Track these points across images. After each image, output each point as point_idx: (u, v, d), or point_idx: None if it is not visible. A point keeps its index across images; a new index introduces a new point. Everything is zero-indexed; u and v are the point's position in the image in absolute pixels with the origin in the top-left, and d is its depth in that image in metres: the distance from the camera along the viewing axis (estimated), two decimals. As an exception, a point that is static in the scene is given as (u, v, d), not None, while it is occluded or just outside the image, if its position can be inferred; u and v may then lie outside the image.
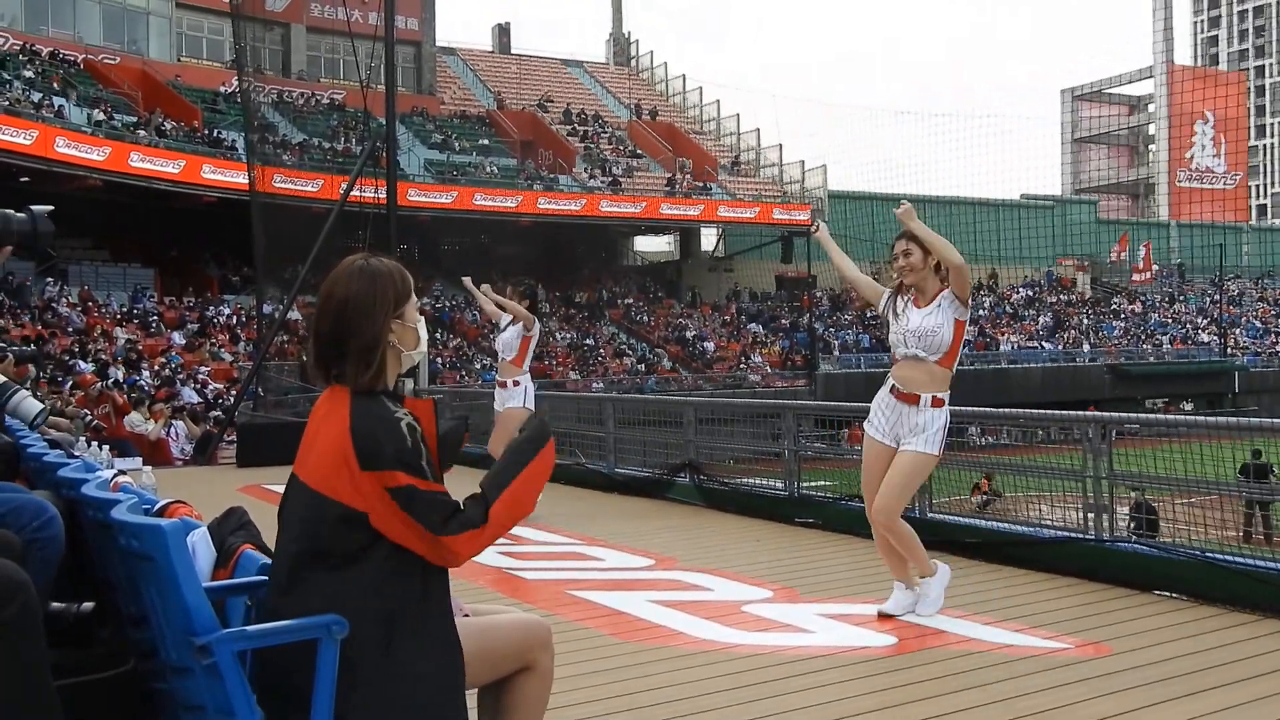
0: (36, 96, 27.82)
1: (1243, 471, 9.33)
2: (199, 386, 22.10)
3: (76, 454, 5.17)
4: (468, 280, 9.27)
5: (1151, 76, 68.50)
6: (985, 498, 10.94)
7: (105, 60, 33.89)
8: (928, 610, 4.99)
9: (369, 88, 15.79)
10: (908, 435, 4.91)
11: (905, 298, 5.03)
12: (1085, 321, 47.91)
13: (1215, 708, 3.76)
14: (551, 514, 8.15)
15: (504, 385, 8.42)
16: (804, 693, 4.00)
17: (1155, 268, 54.19)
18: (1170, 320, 50.33)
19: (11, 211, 3.33)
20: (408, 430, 2.29)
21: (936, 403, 4.89)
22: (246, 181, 16.84)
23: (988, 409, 8.00)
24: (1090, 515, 6.05)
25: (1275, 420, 6.59)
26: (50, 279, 26.07)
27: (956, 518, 6.90)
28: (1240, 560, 5.30)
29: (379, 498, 2.26)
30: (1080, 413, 6.70)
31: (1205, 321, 50.31)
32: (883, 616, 5.04)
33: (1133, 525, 6.94)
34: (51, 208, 3.41)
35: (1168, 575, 5.48)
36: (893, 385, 5.00)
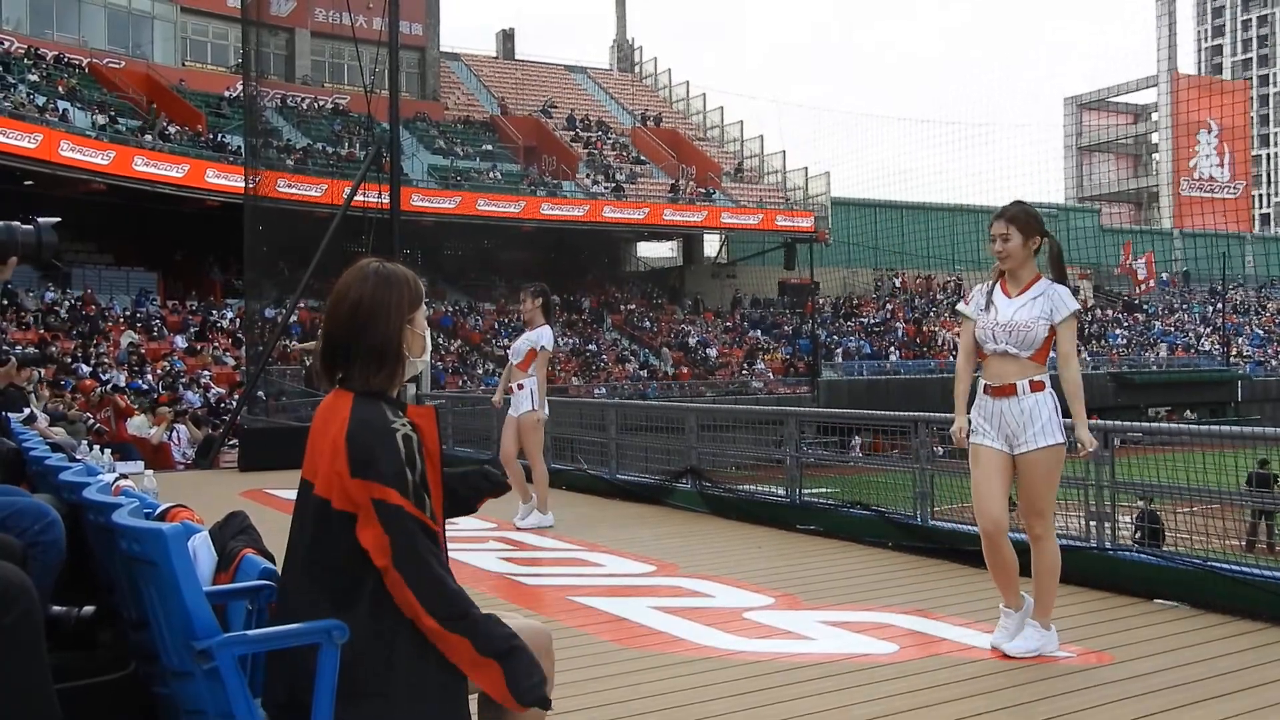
0: (41, 100, 27.89)
1: (1250, 481, 9.32)
2: (201, 390, 22.14)
3: (78, 458, 5.17)
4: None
5: (1155, 85, 68.59)
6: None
7: (110, 64, 33.98)
8: (1016, 650, 4.50)
9: (373, 93, 15.84)
10: (1020, 432, 4.44)
11: (994, 287, 4.60)
12: (1088, 329, 47.91)
13: (1216, 716, 3.75)
14: (553, 519, 8.15)
15: (511, 390, 8.38)
16: (804, 700, 3.99)
17: (1165, 276, 54.26)
18: (1173, 329, 50.31)
19: (16, 223, 3.34)
20: (403, 441, 2.27)
21: (1036, 386, 4.44)
22: (242, 185, 16.84)
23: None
24: (1093, 523, 6.04)
25: (1278, 429, 6.58)
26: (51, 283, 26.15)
27: (957, 525, 6.88)
28: (1243, 569, 5.30)
29: (365, 505, 2.25)
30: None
31: (1208, 330, 50.30)
32: (995, 650, 4.60)
33: (1138, 534, 6.92)
34: (58, 219, 3.41)
35: (1170, 583, 5.47)
36: (985, 385, 4.55)
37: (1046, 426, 4.43)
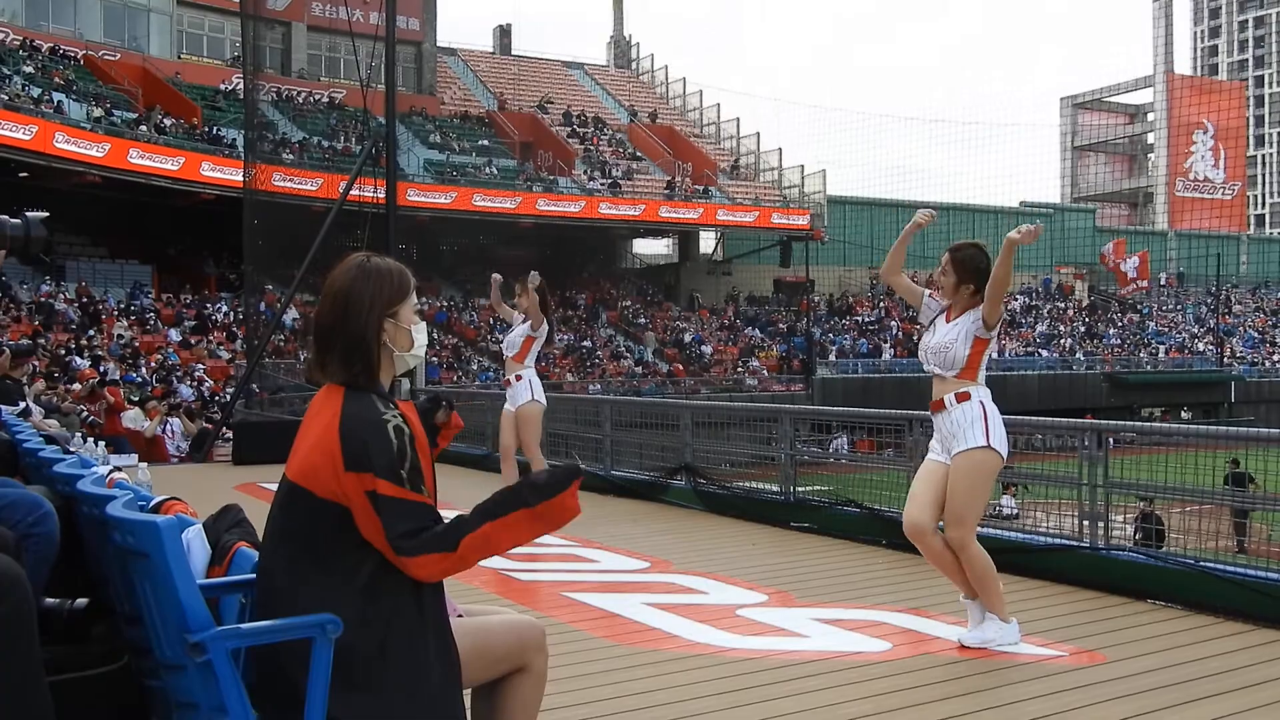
0: (36, 92, 27.81)
1: (1226, 481, 9.36)
2: (195, 384, 22.11)
3: (72, 450, 5.16)
4: (497, 279, 8.77)
5: (1151, 85, 68.64)
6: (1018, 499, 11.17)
7: (105, 56, 33.87)
8: (971, 640, 4.66)
9: (369, 87, 15.80)
10: (950, 441, 4.71)
11: (941, 313, 4.90)
12: (1082, 329, 47.99)
13: (1207, 717, 3.76)
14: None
15: (509, 383, 8.31)
16: (796, 697, 4.00)
17: (1163, 277, 54.33)
18: (1167, 329, 50.40)
19: (5, 217, 3.33)
20: (395, 433, 2.28)
21: (961, 397, 4.70)
22: (237, 179, 16.88)
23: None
24: (1086, 523, 6.06)
25: (1270, 430, 6.60)
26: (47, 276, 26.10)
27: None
28: (1234, 570, 5.32)
29: (359, 498, 2.26)
30: (1077, 420, 6.69)
31: (1202, 330, 50.39)
32: (963, 649, 4.69)
33: (1139, 536, 6.93)
34: (46, 214, 3.40)
35: (1162, 584, 5.48)
36: (930, 403, 4.86)
37: (969, 431, 4.64)
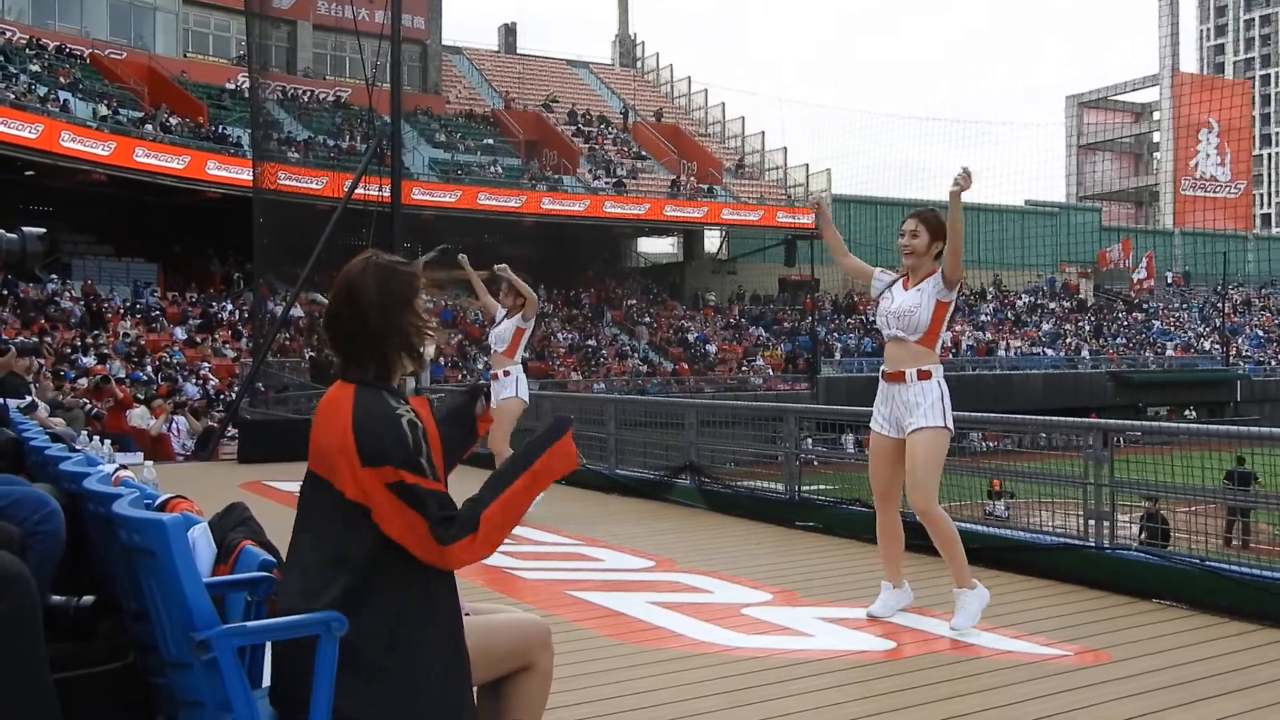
0: (42, 90, 27.86)
1: (1229, 478, 9.36)
2: (200, 382, 22.14)
3: (78, 448, 5.17)
4: (464, 258, 8.84)
5: (1157, 84, 68.51)
6: (1006, 503, 11.19)
7: (111, 55, 33.94)
8: (962, 624, 4.80)
9: (374, 86, 15.81)
10: (907, 417, 4.87)
11: (898, 281, 5.07)
12: (1088, 328, 47.92)
13: (1213, 717, 3.75)
14: (551, 514, 8.15)
15: (496, 378, 8.39)
16: (800, 696, 4.00)
17: (1169, 276, 54.27)
18: (1173, 328, 50.31)
19: (2, 231, 3.37)
20: (409, 427, 2.29)
21: (922, 375, 4.86)
22: (250, 178, 16.91)
23: (989, 414, 8.00)
24: (1091, 522, 6.05)
25: (1275, 430, 6.58)
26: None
27: (955, 523, 6.87)
28: (1240, 569, 5.30)
29: (380, 493, 2.26)
30: (1082, 419, 6.68)
31: (1208, 329, 50.29)
32: (871, 619, 5.05)
33: (1144, 535, 6.91)
34: (44, 230, 3.45)
35: (1168, 583, 5.47)
36: (882, 371, 5.03)
37: (930, 411, 4.84)
